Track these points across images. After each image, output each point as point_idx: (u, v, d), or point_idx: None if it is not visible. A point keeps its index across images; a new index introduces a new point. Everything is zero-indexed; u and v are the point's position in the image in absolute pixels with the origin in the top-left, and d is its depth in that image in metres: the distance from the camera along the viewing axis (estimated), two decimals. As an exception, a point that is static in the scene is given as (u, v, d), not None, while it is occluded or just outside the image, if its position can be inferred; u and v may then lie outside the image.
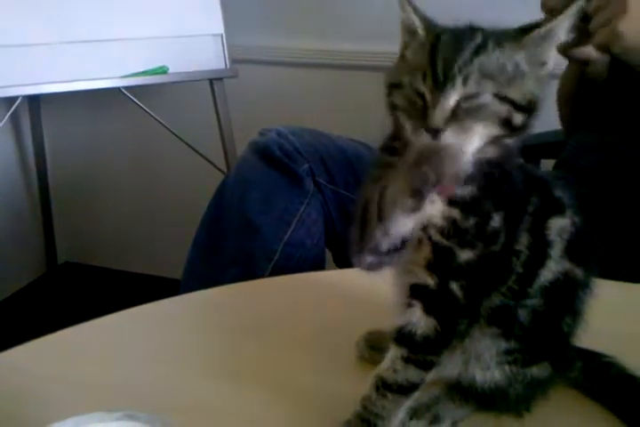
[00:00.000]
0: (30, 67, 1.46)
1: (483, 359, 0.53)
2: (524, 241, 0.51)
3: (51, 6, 1.46)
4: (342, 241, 1.07)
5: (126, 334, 0.71)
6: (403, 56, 0.51)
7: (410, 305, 0.51)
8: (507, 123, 0.46)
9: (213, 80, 1.61)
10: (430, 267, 0.49)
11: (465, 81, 0.44)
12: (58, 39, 1.47)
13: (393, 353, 0.51)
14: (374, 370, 0.53)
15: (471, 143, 0.45)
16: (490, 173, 0.48)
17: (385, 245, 0.50)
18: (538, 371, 0.55)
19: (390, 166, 0.49)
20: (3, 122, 1.58)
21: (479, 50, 0.45)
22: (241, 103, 1.72)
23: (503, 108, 0.45)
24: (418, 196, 0.45)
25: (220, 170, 1.68)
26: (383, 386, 0.51)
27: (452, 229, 0.48)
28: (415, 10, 0.52)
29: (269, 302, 0.76)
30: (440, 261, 0.49)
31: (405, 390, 0.51)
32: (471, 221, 0.48)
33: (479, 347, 0.53)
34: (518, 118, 0.46)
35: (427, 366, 0.51)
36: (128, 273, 2.13)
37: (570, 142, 1.14)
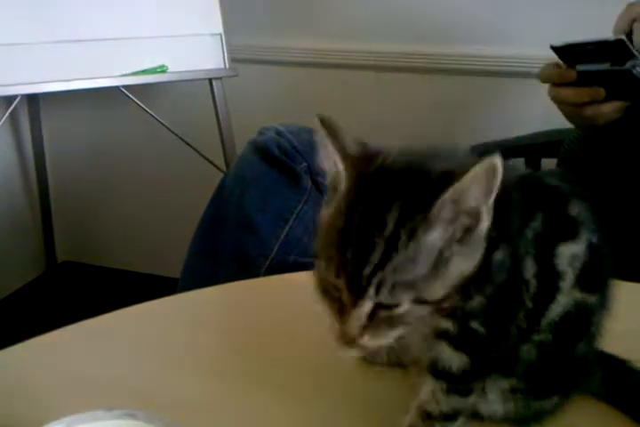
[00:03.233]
0: (29, 66, 1.46)
1: (487, 396, 0.52)
2: (530, 270, 0.46)
3: (50, 5, 1.45)
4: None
5: (124, 332, 0.71)
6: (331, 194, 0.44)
7: (436, 342, 0.48)
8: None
9: (213, 79, 1.61)
10: (447, 315, 0.45)
11: (377, 290, 0.39)
12: (57, 38, 1.46)
13: (431, 386, 0.50)
14: (415, 400, 0.52)
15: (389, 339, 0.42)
16: None
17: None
18: (547, 403, 0.53)
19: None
20: (1, 121, 1.57)
21: (391, 248, 0.38)
22: (240, 102, 1.71)
23: (425, 310, 0.40)
24: None
25: (219, 169, 1.68)
26: (428, 417, 0.50)
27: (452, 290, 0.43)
28: (339, 146, 0.42)
29: (268, 301, 0.76)
30: (454, 312, 0.45)
31: (451, 416, 0.50)
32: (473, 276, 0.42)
33: (482, 384, 0.51)
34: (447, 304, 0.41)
35: (468, 393, 0.50)
36: (127, 272, 2.13)
37: (572, 132, 1.14)
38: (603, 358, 0.57)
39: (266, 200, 1.01)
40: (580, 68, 0.90)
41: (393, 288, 0.39)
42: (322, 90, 1.75)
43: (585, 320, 0.50)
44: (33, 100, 1.92)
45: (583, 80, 0.91)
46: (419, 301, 0.40)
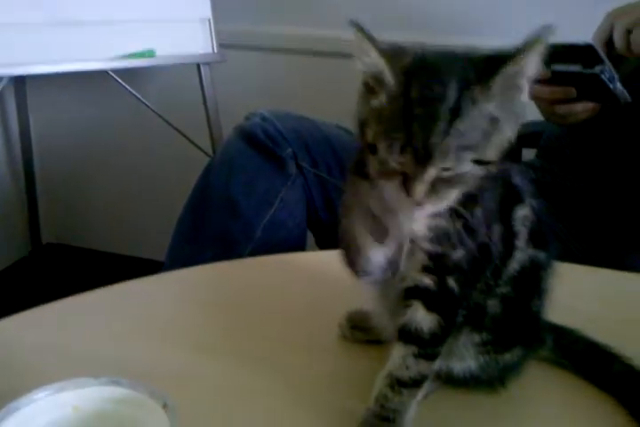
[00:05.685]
0: (16, 47, 1.45)
1: (459, 353, 0.56)
2: (496, 231, 0.52)
3: (38, -14, 1.45)
4: (324, 223, 1.09)
5: (109, 308, 0.72)
6: (367, 92, 0.51)
7: (407, 306, 0.52)
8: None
9: (200, 64, 1.62)
10: (427, 269, 0.51)
11: (444, 155, 0.43)
12: (45, 20, 1.45)
13: (401, 351, 0.53)
14: (382, 370, 0.54)
15: (450, 200, 0.47)
16: None
17: (373, 267, 0.53)
18: (511, 356, 0.58)
19: (362, 193, 0.51)
20: (-12, 102, 1.57)
21: (454, 116, 0.43)
22: (228, 88, 1.72)
23: (482, 170, 0.45)
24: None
25: (205, 153, 1.69)
26: (398, 384, 0.53)
27: (442, 237, 0.49)
28: (375, 44, 0.49)
29: (249, 282, 0.78)
30: (436, 264, 0.51)
31: (419, 382, 0.53)
32: (458, 225, 0.49)
33: (455, 343, 0.55)
34: (495, 167, 0.47)
35: (434, 357, 0.53)
36: (112, 255, 2.14)
37: (551, 128, 1.17)
38: (553, 327, 0.64)
39: (251, 184, 1.02)
40: (555, 67, 0.94)
41: (457, 152, 0.44)
42: (309, 77, 1.76)
43: (537, 275, 0.57)
44: (20, 82, 1.91)
45: (557, 79, 0.95)
46: (477, 161, 0.45)
